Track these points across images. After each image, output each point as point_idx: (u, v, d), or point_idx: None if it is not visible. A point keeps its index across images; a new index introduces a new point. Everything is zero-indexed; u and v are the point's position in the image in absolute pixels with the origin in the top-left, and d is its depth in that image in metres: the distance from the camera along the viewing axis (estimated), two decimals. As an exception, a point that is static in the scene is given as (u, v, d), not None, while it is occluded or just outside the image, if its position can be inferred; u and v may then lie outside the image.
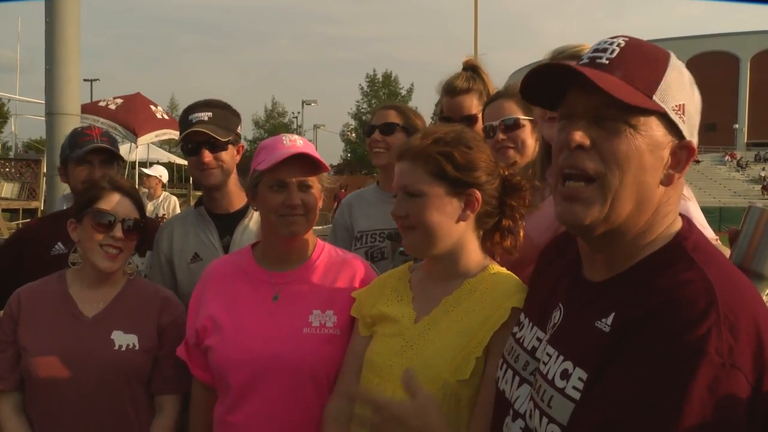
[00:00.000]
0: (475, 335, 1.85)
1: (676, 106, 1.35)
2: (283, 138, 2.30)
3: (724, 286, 1.23)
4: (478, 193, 1.94)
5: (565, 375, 1.35)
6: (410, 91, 67.66)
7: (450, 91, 3.22)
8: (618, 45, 1.39)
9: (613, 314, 1.31)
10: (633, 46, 1.39)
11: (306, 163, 2.24)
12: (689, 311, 1.18)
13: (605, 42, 1.41)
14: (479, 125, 3.01)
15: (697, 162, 65.32)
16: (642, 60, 1.37)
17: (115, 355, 2.40)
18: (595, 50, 1.41)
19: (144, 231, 2.59)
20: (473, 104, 3.19)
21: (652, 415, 1.14)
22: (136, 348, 2.43)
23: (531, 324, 1.62)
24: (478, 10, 25.66)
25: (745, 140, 75.68)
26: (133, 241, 2.53)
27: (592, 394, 1.26)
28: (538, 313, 1.61)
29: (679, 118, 1.35)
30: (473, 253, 2.00)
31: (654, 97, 1.34)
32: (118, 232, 2.45)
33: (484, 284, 1.94)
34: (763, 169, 61.89)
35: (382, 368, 1.93)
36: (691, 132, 1.37)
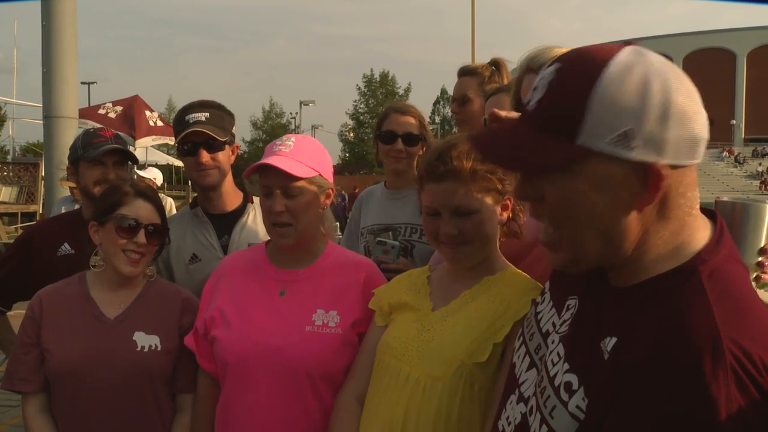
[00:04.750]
0: (495, 322, 1.89)
1: (616, 136, 1.16)
2: (278, 141, 2.33)
3: (732, 327, 1.10)
4: (512, 198, 2.03)
5: (569, 388, 1.28)
6: (408, 90, 67.91)
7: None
8: (548, 81, 1.24)
9: (615, 340, 1.22)
10: (561, 75, 1.23)
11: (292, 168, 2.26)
12: (695, 369, 1.07)
13: (543, 73, 1.27)
14: None
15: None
16: (564, 95, 1.21)
17: (138, 356, 2.43)
18: (534, 87, 1.28)
19: (165, 235, 2.61)
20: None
21: None
22: (159, 349, 2.45)
23: (551, 304, 1.55)
24: (475, 9, 25.70)
25: (743, 136, 75.85)
26: (155, 246, 2.55)
27: None
28: (559, 295, 1.53)
29: (623, 146, 1.16)
30: (498, 252, 2.08)
31: (579, 141, 1.17)
32: (141, 237, 2.47)
33: (503, 281, 2.00)
34: (760, 164, 61.98)
35: (398, 350, 1.97)
36: (656, 150, 1.17)
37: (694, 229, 1.26)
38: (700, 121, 1.20)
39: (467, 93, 3.60)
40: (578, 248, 1.27)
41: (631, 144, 1.16)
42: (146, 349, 2.45)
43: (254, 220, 3.03)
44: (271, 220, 2.28)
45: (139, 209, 2.50)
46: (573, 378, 1.28)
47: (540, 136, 1.22)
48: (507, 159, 1.28)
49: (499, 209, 2.02)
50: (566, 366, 1.32)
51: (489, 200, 1.98)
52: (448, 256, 2.03)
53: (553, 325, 1.49)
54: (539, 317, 1.57)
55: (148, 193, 2.58)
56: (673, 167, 1.19)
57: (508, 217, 2.07)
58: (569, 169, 1.20)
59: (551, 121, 1.21)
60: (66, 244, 3.07)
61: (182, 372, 2.49)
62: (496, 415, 1.62)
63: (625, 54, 1.19)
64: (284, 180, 2.26)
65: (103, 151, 3.03)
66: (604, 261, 1.29)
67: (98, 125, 11.90)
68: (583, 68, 1.20)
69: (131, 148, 13.19)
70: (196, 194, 3.17)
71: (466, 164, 1.95)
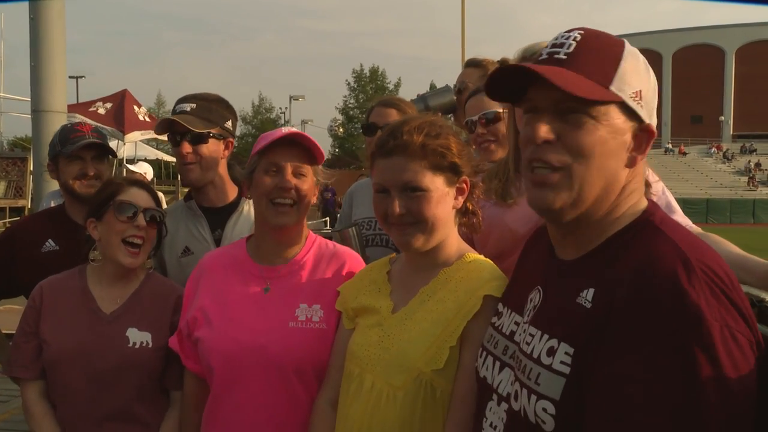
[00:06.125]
0: (448, 324, 1.85)
1: (633, 93, 1.41)
2: (283, 128, 2.31)
3: (694, 251, 1.29)
4: (468, 180, 1.97)
5: (551, 352, 1.37)
6: (398, 85, 67.79)
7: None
8: (574, 39, 1.44)
9: (592, 290, 1.35)
10: (588, 39, 1.44)
11: (303, 152, 2.26)
12: (674, 283, 1.22)
13: (562, 36, 1.46)
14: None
15: (684, 154, 65.90)
16: (597, 52, 1.43)
17: (129, 352, 2.47)
18: (553, 45, 1.46)
19: (163, 223, 2.63)
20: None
21: (673, 393, 1.16)
22: (150, 346, 2.49)
23: (509, 311, 1.66)
24: (465, 3, 25.69)
25: (731, 132, 76.12)
26: (154, 231, 2.59)
27: (602, 378, 1.26)
28: (515, 299, 1.65)
29: (637, 104, 1.41)
30: (454, 240, 2.01)
31: (611, 88, 1.40)
32: (141, 220, 2.50)
33: (459, 273, 1.95)
34: (749, 161, 62.33)
35: (362, 359, 1.95)
36: (649, 115, 1.44)
37: (640, 194, 1.49)
38: None
39: (466, 81, 3.65)
40: (583, 189, 1.41)
41: (641, 103, 1.43)
42: (137, 346, 2.48)
43: (248, 214, 3.00)
44: (272, 196, 2.24)
45: (136, 195, 2.54)
46: (553, 342, 1.39)
47: (580, 76, 1.39)
48: (564, 79, 1.38)
49: (453, 192, 1.95)
50: (545, 337, 1.42)
51: (440, 179, 1.91)
52: (398, 239, 1.95)
53: (516, 323, 1.60)
54: (500, 328, 1.66)
55: (142, 183, 2.62)
56: None
57: (467, 206, 2.02)
58: (595, 114, 1.39)
59: (590, 68, 1.41)
60: (50, 241, 3.04)
61: (174, 368, 2.51)
62: (475, 426, 1.68)
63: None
64: (299, 159, 2.25)
65: (80, 146, 3.02)
66: (590, 210, 1.44)
67: (86, 119, 11.89)
68: (609, 36, 1.46)
69: (119, 143, 13.17)
70: (188, 189, 3.15)
71: (417, 138, 1.88)
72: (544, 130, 1.41)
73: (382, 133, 2.00)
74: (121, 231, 2.48)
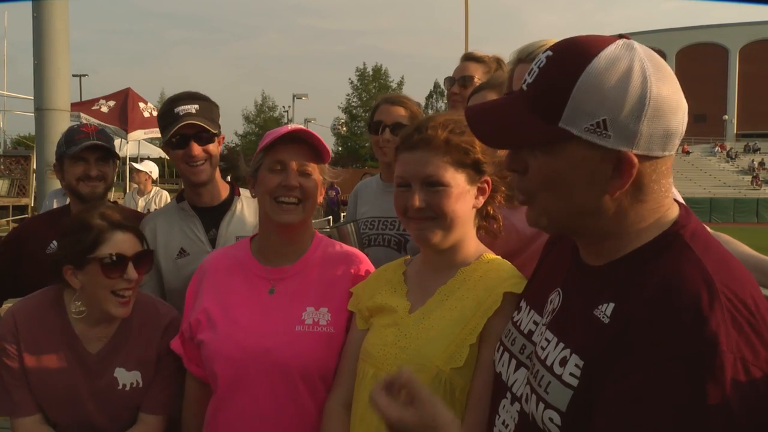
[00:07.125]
0: (468, 322, 1.84)
1: (592, 124, 1.25)
2: (289, 125, 2.27)
3: (722, 275, 1.21)
4: (490, 180, 1.97)
5: (564, 362, 1.34)
6: (401, 84, 67.74)
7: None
8: (539, 65, 1.34)
9: (612, 305, 1.29)
10: (551, 63, 1.32)
11: (308, 149, 2.23)
12: (695, 308, 1.16)
13: (536, 59, 1.37)
14: None
15: (687, 153, 65.79)
16: (551, 81, 1.30)
17: (119, 394, 2.39)
18: (530, 70, 1.38)
19: (152, 261, 2.51)
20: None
21: (677, 418, 1.12)
22: (140, 386, 2.40)
23: (528, 308, 1.62)
24: (468, 2, 25.67)
25: (735, 131, 76.05)
26: (142, 275, 2.43)
27: (609, 394, 1.23)
28: (535, 297, 1.61)
29: (598, 135, 1.26)
30: (472, 241, 2.01)
31: (560, 123, 1.27)
32: (132, 272, 2.32)
33: (477, 272, 1.94)
34: (753, 159, 62.21)
35: (377, 358, 1.93)
36: (628, 140, 1.26)
37: (668, 206, 1.37)
38: (676, 117, 1.29)
39: (474, 75, 3.60)
40: (552, 217, 1.39)
41: (606, 132, 1.26)
42: (128, 388, 2.39)
43: (242, 212, 3.00)
44: (276, 194, 2.20)
45: (121, 243, 2.34)
46: (566, 352, 1.35)
47: (528, 114, 1.32)
48: (490, 132, 1.40)
49: (474, 191, 1.96)
50: (560, 345, 1.38)
51: (462, 176, 1.91)
52: (416, 234, 1.95)
53: (535, 323, 1.56)
54: (518, 324, 1.63)
55: (123, 222, 2.41)
56: (646, 158, 1.29)
57: (487, 210, 2.01)
58: (550, 149, 1.31)
59: (538, 103, 1.31)
60: (55, 242, 3.05)
61: (151, 393, 2.43)
62: (488, 423, 1.65)
63: (613, 48, 1.28)
64: (305, 158, 2.22)
65: (82, 147, 3.02)
66: (580, 231, 1.41)
67: (91, 119, 11.93)
68: (571, 58, 1.30)
69: (122, 141, 13.18)
70: (182, 188, 3.14)
71: (441, 134, 1.89)
72: (509, 161, 1.40)
73: (407, 128, 2.01)
74: (110, 285, 2.31)
